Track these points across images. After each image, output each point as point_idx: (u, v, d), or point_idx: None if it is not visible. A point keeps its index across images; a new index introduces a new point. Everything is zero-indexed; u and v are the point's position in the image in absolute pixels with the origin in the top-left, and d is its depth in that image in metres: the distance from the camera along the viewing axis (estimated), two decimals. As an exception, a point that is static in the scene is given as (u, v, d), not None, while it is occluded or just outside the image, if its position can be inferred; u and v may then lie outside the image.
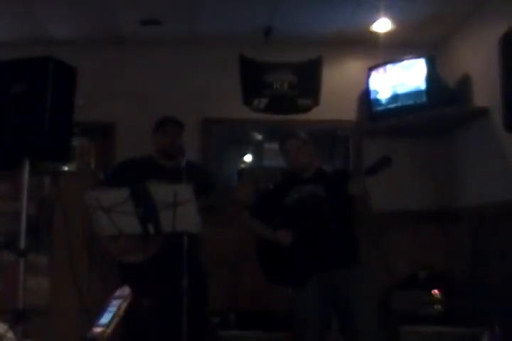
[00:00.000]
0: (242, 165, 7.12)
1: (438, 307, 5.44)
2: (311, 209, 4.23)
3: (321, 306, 4.25)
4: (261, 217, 4.51)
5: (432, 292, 5.56)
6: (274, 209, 4.46)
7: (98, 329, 2.31)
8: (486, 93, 5.61)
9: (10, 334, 2.97)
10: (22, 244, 3.36)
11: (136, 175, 4.41)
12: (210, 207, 4.27)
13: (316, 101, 6.68)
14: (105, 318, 2.36)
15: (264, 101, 6.68)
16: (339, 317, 4.36)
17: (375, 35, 6.12)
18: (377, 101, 6.36)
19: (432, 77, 5.94)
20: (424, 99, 5.96)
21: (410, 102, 6.06)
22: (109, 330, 2.30)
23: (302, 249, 4.20)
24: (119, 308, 2.41)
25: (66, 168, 5.63)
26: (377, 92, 6.36)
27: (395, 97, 6.19)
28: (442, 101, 5.85)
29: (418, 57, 6.06)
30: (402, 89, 6.14)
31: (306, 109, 6.68)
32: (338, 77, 6.76)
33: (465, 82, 5.97)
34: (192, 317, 3.94)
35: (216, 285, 4.89)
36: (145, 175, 4.36)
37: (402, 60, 6.17)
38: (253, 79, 6.71)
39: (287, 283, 4.34)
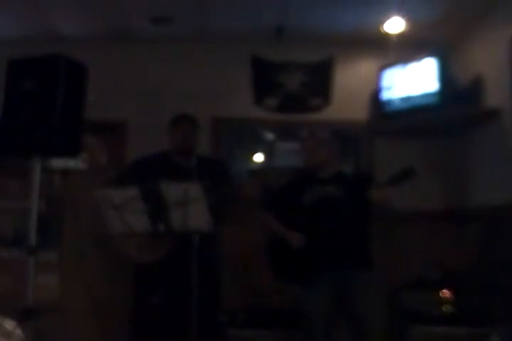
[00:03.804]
0: (253, 165, 7.09)
1: (448, 307, 5.43)
2: (329, 211, 4.22)
3: (330, 306, 4.25)
4: (275, 215, 4.50)
5: (442, 292, 5.54)
6: (290, 207, 4.45)
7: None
8: (498, 94, 5.60)
9: (18, 331, 2.98)
10: (32, 241, 3.38)
11: (149, 173, 4.39)
12: (223, 204, 4.27)
13: (327, 101, 6.68)
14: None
15: (276, 100, 6.68)
16: (348, 318, 4.36)
17: (388, 34, 6.09)
18: (389, 101, 6.35)
19: (444, 78, 5.92)
20: (436, 99, 5.95)
21: (422, 102, 6.04)
22: None
23: (315, 248, 4.20)
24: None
25: (76, 166, 5.63)
26: (389, 92, 6.34)
27: (407, 97, 6.18)
28: (454, 102, 5.85)
29: (430, 57, 6.03)
30: (414, 90, 6.13)
31: (318, 109, 6.68)
32: (350, 76, 6.74)
33: (477, 82, 5.95)
34: (202, 317, 3.94)
35: (226, 284, 4.88)
36: (158, 173, 4.32)
37: (415, 60, 6.15)
38: (265, 78, 6.71)
39: (296, 281, 4.34)
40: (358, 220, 4.30)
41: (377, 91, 6.52)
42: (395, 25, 5.97)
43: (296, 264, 4.28)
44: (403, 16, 5.81)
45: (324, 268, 4.21)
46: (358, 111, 6.66)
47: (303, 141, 4.69)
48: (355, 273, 4.24)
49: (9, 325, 2.99)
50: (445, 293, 5.53)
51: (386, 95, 6.39)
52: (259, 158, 7.05)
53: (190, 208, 3.68)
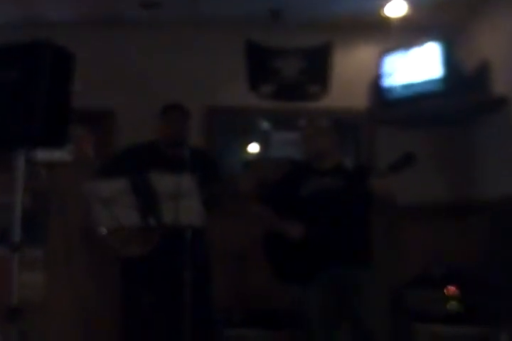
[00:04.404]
0: (248, 156, 7.09)
1: (454, 305, 5.43)
2: (328, 204, 4.21)
3: (330, 306, 4.26)
4: (272, 208, 4.49)
5: (448, 289, 5.54)
6: (287, 200, 4.44)
7: None
8: (506, 80, 5.60)
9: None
10: (16, 237, 3.38)
11: (137, 163, 4.39)
12: (216, 198, 4.28)
13: (326, 88, 6.67)
14: None
15: (272, 87, 6.68)
16: (348, 318, 4.36)
17: (389, 17, 6.09)
18: (390, 88, 6.35)
19: (448, 63, 5.92)
20: (440, 86, 5.94)
21: (425, 90, 6.03)
22: None
23: (313, 244, 4.20)
24: None
25: (63, 158, 5.64)
26: (391, 79, 6.34)
27: (409, 84, 6.17)
28: (459, 89, 5.84)
29: (434, 41, 6.03)
30: (416, 76, 6.13)
31: (316, 97, 6.68)
32: (350, 62, 6.74)
33: (484, 68, 5.95)
34: (196, 316, 3.94)
35: (220, 281, 4.89)
36: (147, 164, 4.33)
37: (417, 45, 6.15)
38: (260, 64, 6.70)
39: (294, 278, 4.33)
40: (359, 213, 4.30)
41: (378, 78, 6.52)
42: (396, 8, 5.98)
43: (294, 261, 4.27)
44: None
45: (323, 265, 4.20)
46: (357, 99, 6.66)
47: (302, 129, 4.69)
48: (355, 271, 4.23)
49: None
50: (450, 290, 5.53)
51: (387, 82, 6.38)
52: (254, 148, 7.06)
53: (183, 201, 3.69)
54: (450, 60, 5.95)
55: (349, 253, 4.24)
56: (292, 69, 6.72)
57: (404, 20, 6.06)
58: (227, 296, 5.69)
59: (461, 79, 5.96)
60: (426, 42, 6.08)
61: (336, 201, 4.19)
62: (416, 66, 6.13)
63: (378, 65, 6.47)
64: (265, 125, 7.02)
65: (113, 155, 5.08)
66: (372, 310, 4.19)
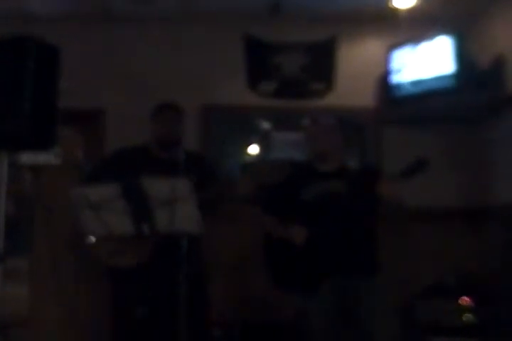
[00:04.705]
0: (247, 158, 7.08)
1: (468, 317, 5.41)
2: (332, 208, 4.18)
3: (333, 318, 4.23)
4: (272, 213, 4.47)
5: (461, 300, 5.52)
6: (288, 204, 4.41)
7: None
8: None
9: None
10: (-1, 247, 3.35)
11: (129, 167, 4.37)
12: (211, 203, 4.23)
13: (330, 86, 6.67)
14: None
15: (272, 85, 6.68)
16: (354, 331, 4.33)
17: (397, 9, 6.07)
18: (398, 85, 6.33)
19: (460, 58, 5.89)
20: (451, 82, 5.91)
21: (436, 86, 6.01)
22: None
23: (316, 251, 4.16)
24: None
25: (49, 161, 5.60)
26: (399, 75, 6.32)
27: (419, 81, 6.15)
28: (472, 86, 5.82)
29: (445, 34, 5.99)
30: (426, 72, 6.10)
31: (319, 94, 6.67)
32: (355, 58, 6.74)
33: (499, 63, 5.92)
34: (192, 331, 3.90)
35: (218, 293, 4.86)
36: (138, 167, 4.31)
37: (427, 39, 6.12)
38: (259, 60, 6.70)
39: (295, 289, 4.31)
40: (364, 219, 4.27)
41: (385, 75, 6.49)
42: (404, -1, 5.97)
43: (296, 270, 4.25)
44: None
45: (326, 274, 4.18)
46: (364, 97, 6.64)
47: (306, 128, 4.66)
48: (360, 280, 4.21)
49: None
50: (465, 300, 5.51)
51: (395, 78, 6.36)
52: (253, 150, 7.03)
53: (178, 207, 3.65)
54: (462, 55, 5.91)
55: (353, 264, 4.22)
56: (294, 66, 6.71)
57: (413, 11, 6.04)
58: (225, 308, 5.66)
59: (474, 75, 5.93)
60: (436, 35, 6.05)
61: (340, 207, 4.16)
62: (426, 61, 6.11)
63: (386, 60, 6.44)
64: (265, 125, 6.99)
65: (102, 159, 5.04)
66: (379, 322, 4.16)
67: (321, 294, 4.17)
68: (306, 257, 4.19)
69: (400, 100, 6.34)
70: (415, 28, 6.12)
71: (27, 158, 4.81)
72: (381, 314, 4.19)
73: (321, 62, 6.68)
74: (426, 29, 6.14)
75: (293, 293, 4.39)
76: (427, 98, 6.07)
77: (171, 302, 3.93)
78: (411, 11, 6.02)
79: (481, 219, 6.23)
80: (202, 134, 6.55)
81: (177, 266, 3.90)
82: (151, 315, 4.25)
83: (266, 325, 5.71)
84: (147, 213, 3.72)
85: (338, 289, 4.18)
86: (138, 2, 6.14)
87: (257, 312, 5.97)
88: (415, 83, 6.18)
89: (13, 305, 3.93)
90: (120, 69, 6.51)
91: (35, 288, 4.75)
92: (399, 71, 6.32)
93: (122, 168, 4.38)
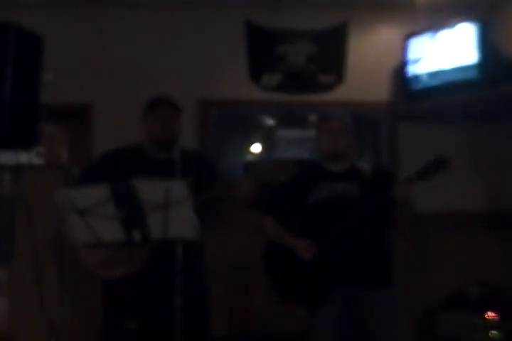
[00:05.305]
0: (249, 157, 7.09)
1: (494, 333, 5.40)
2: (342, 213, 4.17)
3: (343, 331, 4.23)
4: (276, 214, 4.47)
5: (487, 314, 5.51)
6: (295, 206, 4.41)
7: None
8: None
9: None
10: (-24, 255, 3.35)
11: (121, 169, 4.36)
12: (211, 207, 4.24)
13: (340, 78, 6.68)
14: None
15: (277, 77, 6.68)
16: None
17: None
18: (416, 77, 6.33)
19: (485, 47, 5.89)
20: (475, 74, 5.91)
21: (458, 78, 6.01)
22: None
23: (325, 260, 4.16)
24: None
25: (30, 161, 5.61)
26: (417, 66, 6.32)
27: (439, 72, 6.15)
28: (498, 77, 5.81)
29: (468, 21, 5.99)
30: (447, 63, 6.10)
31: (329, 87, 6.68)
32: (368, 47, 6.75)
33: (528, 53, 5.92)
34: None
35: (217, 304, 4.86)
36: (132, 169, 4.31)
37: (448, 26, 6.11)
38: (262, 50, 6.71)
39: (301, 300, 4.31)
40: (377, 225, 4.26)
41: (401, 66, 6.51)
42: (423, -18, 5.97)
43: (301, 279, 4.25)
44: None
45: (334, 284, 4.17)
46: (377, 91, 6.67)
47: (316, 125, 4.64)
48: (372, 292, 4.20)
49: None
50: (490, 315, 5.49)
51: (412, 70, 6.37)
52: (256, 148, 7.05)
53: (173, 211, 3.65)
54: (487, 44, 5.91)
55: (364, 273, 4.21)
56: (300, 56, 6.71)
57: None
58: (224, 321, 5.68)
59: (500, 65, 5.91)
60: (458, 23, 6.05)
61: (351, 210, 4.15)
62: (446, 51, 6.10)
63: (402, 49, 6.44)
64: (269, 121, 7.01)
65: (92, 162, 5.04)
66: (389, 335, 4.15)
67: (329, 305, 4.17)
68: (313, 267, 4.19)
69: (417, 94, 6.35)
70: (435, 14, 6.13)
71: (6, 157, 4.82)
72: (391, 326, 4.19)
73: (330, 51, 6.69)
74: (446, 16, 6.14)
75: (300, 305, 4.39)
76: (447, 91, 6.07)
77: (165, 316, 3.92)
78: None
79: (505, 224, 6.22)
80: (198, 132, 6.55)
81: (172, 276, 3.90)
82: (144, 330, 4.25)
83: (266, 337, 5.73)
84: (138, 218, 3.72)
85: (348, 300, 4.18)
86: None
87: (257, 322, 5.99)
88: (434, 75, 6.18)
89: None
90: (110, 59, 6.51)
91: (15, 301, 4.76)
92: (416, 62, 6.33)
93: (115, 172, 4.36)
